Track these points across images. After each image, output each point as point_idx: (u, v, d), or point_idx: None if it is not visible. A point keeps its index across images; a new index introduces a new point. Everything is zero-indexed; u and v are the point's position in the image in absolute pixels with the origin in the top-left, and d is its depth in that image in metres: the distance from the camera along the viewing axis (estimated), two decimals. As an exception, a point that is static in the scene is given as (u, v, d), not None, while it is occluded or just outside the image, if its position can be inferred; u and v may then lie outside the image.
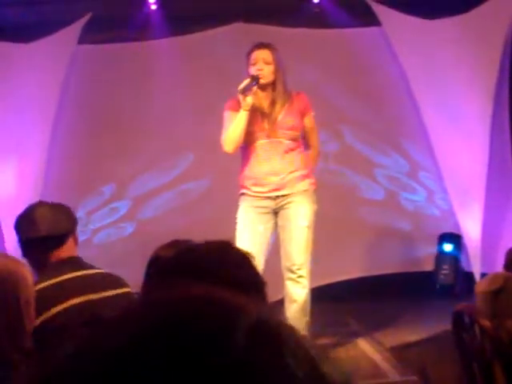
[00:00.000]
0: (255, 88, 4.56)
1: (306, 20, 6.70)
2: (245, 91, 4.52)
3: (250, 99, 4.55)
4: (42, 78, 6.34)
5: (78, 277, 2.65)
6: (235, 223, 4.71)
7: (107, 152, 6.66)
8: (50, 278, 2.60)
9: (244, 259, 1.61)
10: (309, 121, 4.78)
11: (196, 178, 6.82)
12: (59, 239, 2.71)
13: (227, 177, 6.10)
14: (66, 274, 2.63)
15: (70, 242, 2.75)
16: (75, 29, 6.44)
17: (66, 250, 2.73)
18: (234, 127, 4.61)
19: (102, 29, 6.51)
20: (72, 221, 2.80)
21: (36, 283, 2.50)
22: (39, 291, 2.41)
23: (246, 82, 4.55)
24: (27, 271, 2.10)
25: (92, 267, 2.77)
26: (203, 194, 6.77)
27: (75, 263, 2.73)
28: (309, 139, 4.83)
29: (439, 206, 6.90)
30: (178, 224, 6.17)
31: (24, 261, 2.45)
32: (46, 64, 6.36)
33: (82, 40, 6.53)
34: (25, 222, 2.72)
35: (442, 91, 6.47)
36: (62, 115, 6.54)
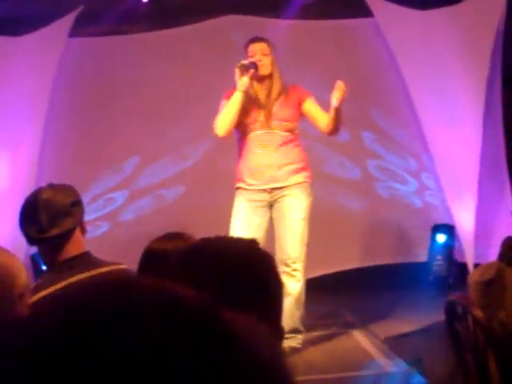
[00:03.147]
0: (253, 71, 4.59)
1: (297, 11, 6.70)
2: (244, 67, 4.55)
3: (246, 79, 4.57)
4: (33, 72, 6.32)
5: (82, 280, 2.46)
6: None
7: (99, 146, 6.65)
8: (53, 283, 2.45)
9: (269, 259, 1.63)
10: (311, 104, 4.74)
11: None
12: (64, 236, 2.55)
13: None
14: (70, 276, 2.46)
15: (76, 235, 2.57)
16: (66, 22, 6.42)
17: (73, 246, 2.56)
18: (227, 109, 4.65)
19: (94, 22, 6.48)
20: (78, 212, 2.59)
21: (40, 287, 2.46)
22: (42, 298, 2.36)
23: (246, 61, 4.59)
24: (20, 264, 2.09)
25: (101, 264, 2.58)
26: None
27: (82, 262, 2.55)
28: (320, 119, 4.71)
29: (432, 196, 6.91)
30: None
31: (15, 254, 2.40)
32: (38, 57, 6.33)
33: (73, 33, 6.50)
34: (26, 220, 2.55)
35: (434, 81, 6.47)
36: (54, 109, 6.52)
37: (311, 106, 4.75)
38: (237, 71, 4.59)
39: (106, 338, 0.54)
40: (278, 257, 4.61)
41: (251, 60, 4.64)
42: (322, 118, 4.72)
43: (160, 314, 0.56)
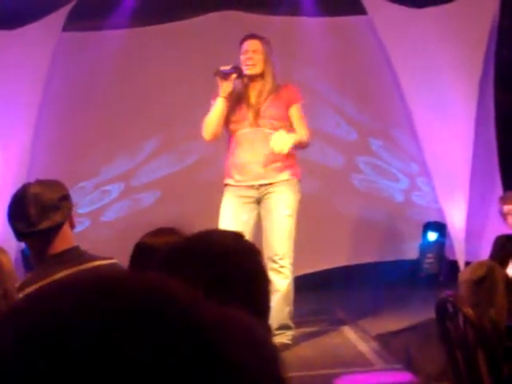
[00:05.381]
0: (234, 76, 4.59)
1: (293, 8, 6.70)
2: (221, 73, 4.55)
3: (228, 86, 4.57)
4: (26, 65, 6.29)
5: (70, 275, 2.35)
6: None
7: (91, 141, 6.63)
8: (42, 278, 2.42)
9: (254, 251, 1.63)
10: (295, 110, 4.77)
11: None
12: (54, 230, 2.53)
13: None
14: (58, 272, 2.43)
15: (65, 229, 2.56)
16: (60, 16, 6.40)
17: (62, 241, 2.55)
18: (211, 115, 4.68)
19: (88, 16, 6.46)
20: (67, 207, 2.58)
21: (29, 282, 2.44)
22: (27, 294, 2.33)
23: (227, 67, 4.59)
24: (6, 258, 2.06)
25: (91, 258, 2.57)
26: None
27: (71, 257, 2.53)
28: (297, 128, 4.77)
29: (424, 194, 6.92)
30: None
31: (3, 247, 2.36)
32: (31, 51, 6.31)
33: (66, 27, 6.48)
34: (15, 214, 2.52)
35: (428, 79, 6.47)
36: (47, 103, 6.49)
37: (294, 115, 4.76)
38: (217, 78, 4.59)
39: (74, 349, 0.53)
40: (266, 254, 4.59)
41: (233, 65, 4.64)
42: (297, 131, 4.78)
43: (136, 320, 0.55)
